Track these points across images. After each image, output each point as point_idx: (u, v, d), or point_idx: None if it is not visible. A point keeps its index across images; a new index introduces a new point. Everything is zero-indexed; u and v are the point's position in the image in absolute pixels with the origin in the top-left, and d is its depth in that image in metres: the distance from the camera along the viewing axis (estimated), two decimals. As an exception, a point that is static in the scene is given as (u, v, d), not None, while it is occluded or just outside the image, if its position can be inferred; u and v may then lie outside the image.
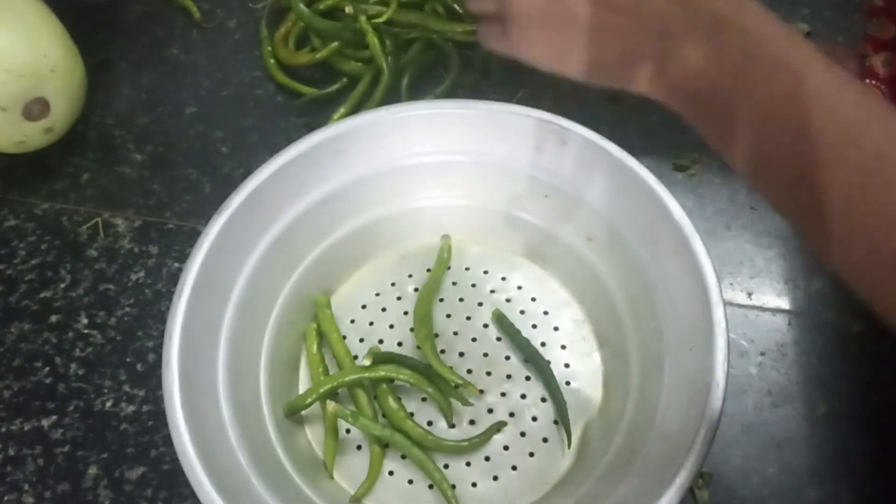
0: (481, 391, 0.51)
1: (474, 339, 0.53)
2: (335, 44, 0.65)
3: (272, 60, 0.68)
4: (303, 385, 0.52)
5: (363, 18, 0.64)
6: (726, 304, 0.44)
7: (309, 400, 0.49)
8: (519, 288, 0.56)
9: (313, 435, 0.50)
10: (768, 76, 0.34)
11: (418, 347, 0.52)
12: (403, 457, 0.49)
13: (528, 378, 0.52)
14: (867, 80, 0.50)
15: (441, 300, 0.55)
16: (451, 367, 0.50)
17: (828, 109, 0.33)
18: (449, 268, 0.56)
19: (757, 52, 0.34)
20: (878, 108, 0.33)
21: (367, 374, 0.50)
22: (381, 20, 0.64)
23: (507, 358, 0.53)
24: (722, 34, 0.35)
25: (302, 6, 0.66)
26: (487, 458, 0.49)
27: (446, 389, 0.50)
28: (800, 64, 0.34)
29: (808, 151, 0.33)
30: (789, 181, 0.35)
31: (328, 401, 0.49)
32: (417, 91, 0.65)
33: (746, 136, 0.35)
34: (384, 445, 0.49)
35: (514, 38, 0.41)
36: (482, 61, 0.66)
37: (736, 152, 0.37)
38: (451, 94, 0.64)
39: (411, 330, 0.54)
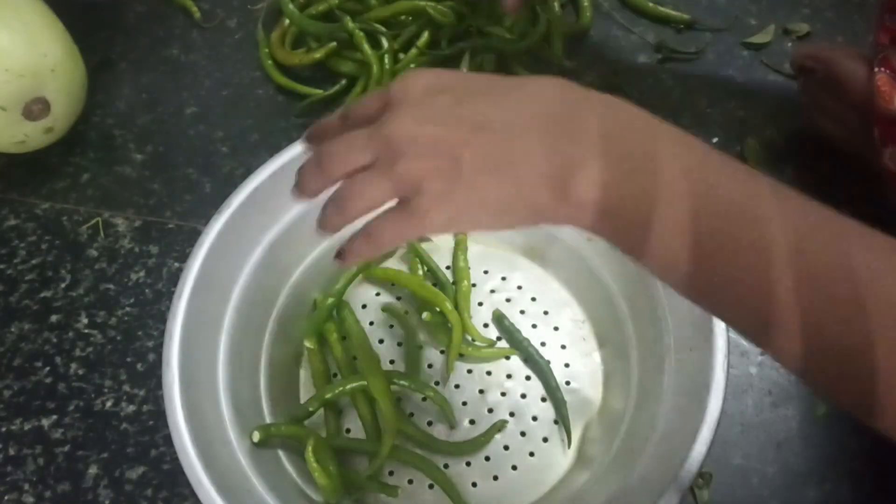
0: (481, 391, 0.51)
1: (474, 340, 0.53)
2: (332, 44, 0.65)
3: (270, 62, 0.68)
4: (303, 384, 0.52)
5: (347, 19, 0.64)
6: (726, 304, 0.44)
7: (311, 409, 0.49)
8: (519, 288, 0.56)
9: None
10: (671, 182, 0.32)
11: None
12: (403, 457, 0.49)
13: (528, 378, 0.52)
14: (881, 69, 0.50)
15: (441, 300, 0.55)
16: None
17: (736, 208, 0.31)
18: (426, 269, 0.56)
19: (685, 168, 0.33)
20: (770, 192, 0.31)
21: (367, 381, 0.50)
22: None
23: (507, 358, 0.53)
24: (622, 149, 0.33)
25: (292, 8, 0.66)
26: (487, 458, 0.49)
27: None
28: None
29: (724, 256, 0.31)
30: (710, 286, 0.33)
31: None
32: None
33: (662, 247, 0.33)
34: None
35: (419, 211, 0.34)
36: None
37: (654, 262, 0.34)
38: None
39: (411, 330, 0.54)
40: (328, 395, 0.49)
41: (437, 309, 0.52)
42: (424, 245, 0.56)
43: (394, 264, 0.57)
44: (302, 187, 0.37)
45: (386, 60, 0.64)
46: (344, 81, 0.66)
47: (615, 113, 0.34)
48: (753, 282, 0.31)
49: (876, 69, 0.50)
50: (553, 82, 0.35)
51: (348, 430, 0.50)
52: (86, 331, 0.56)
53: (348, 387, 0.50)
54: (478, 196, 0.34)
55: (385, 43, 0.65)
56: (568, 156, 0.33)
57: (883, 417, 0.31)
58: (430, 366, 0.53)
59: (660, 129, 0.34)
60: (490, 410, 0.51)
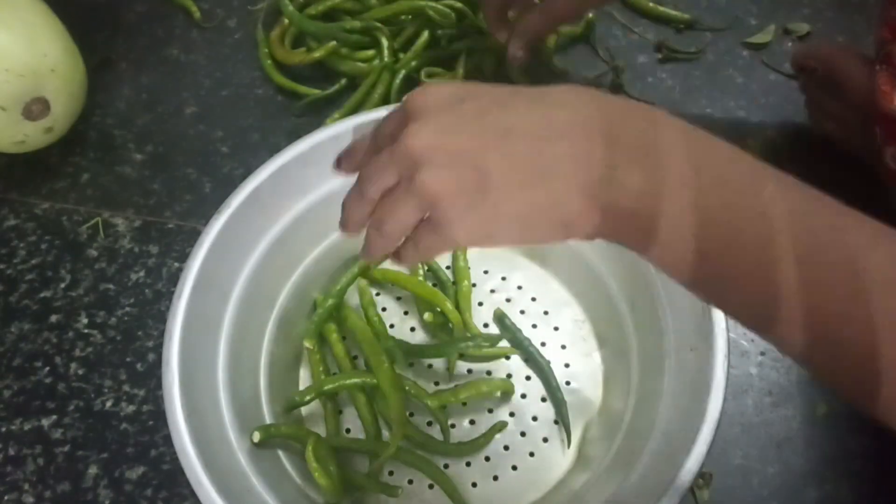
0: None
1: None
2: (332, 44, 0.65)
3: (269, 61, 0.68)
4: (303, 384, 0.52)
5: (347, 19, 0.65)
6: (726, 304, 0.44)
7: (308, 397, 0.49)
8: (519, 288, 0.56)
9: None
10: (710, 191, 0.31)
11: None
12: (403, 457, 0.49)
13: (528, 378, 0.52)
14: (882, 66, 0.50)
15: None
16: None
17: (784, 222, 0.30)
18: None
19: (698, 167, 0.31)
20: (835, 213, 0.31)
21: (367, 379, 0.50)
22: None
23: (508, 358, 0.53)
24: (654, 157, 0.31)
25: (292, 8, 0.66)
26: (487, 458, 0.49)
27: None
28: (743, 172, 0.32)
29: (763, 264, 0.31)
30: (740, 295, 0.32)
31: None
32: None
33: (693, 256, 0.31)
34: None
35: (442, 225, 0.32)
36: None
37: (685, 274, 0.33)
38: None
39: (411, 330, 0.54)
40: (326, 387, 0.49)
41: (438, 309, 0.52)
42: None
43: (393, 264, 0.57)
44: (347, 219, 0.36)
45: (386, 59, 0.64)
46: (344, 81, 0.66)
47: (648, 121, 0.32)
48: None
49: (877, 66, 0.50)
50: (578, 90, 0.33)
51: (348, 430, 0.51)
52: (86, 331, 0.56)
53: (347, 381, 0.50)
54: (507, 209, 0.31)
55: (385, 43, 0.65)
56: (605, 164, 0.31)
57: (882, 405, 0.30)
58: (429, 366, 0.53)
59: (685, 134, 0.32)
60: (490, 410, 0.51)
